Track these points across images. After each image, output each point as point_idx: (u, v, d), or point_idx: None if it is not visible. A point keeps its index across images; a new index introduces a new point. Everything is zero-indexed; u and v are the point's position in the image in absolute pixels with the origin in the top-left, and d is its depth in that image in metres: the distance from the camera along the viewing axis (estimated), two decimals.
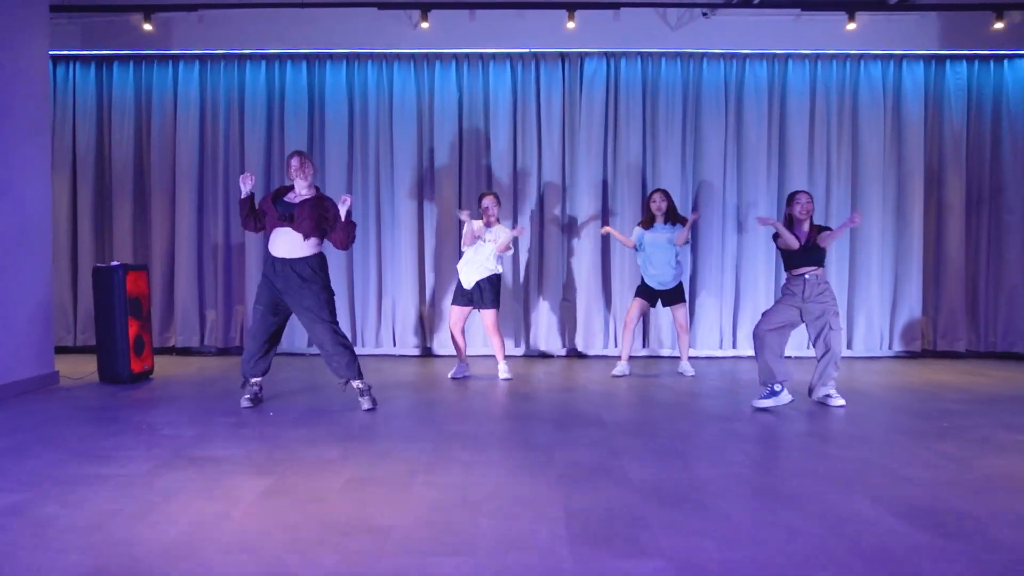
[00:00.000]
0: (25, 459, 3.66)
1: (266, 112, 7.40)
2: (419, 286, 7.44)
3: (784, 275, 5.23)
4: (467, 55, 7.36)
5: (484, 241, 5.95)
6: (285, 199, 4.86)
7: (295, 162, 4.81)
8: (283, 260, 4.76)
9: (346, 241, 4.87)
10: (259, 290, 4.90)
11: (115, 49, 7.35)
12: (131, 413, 4.77)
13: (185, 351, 7.49)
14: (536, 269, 7.41)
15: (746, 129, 7.36)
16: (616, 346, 7.25)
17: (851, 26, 6.94)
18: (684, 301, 6.38)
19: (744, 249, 7.38)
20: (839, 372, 5.30)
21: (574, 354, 7.48)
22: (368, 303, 7.45)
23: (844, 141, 7.39)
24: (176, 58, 7.41)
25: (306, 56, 7.37)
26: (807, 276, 4.96)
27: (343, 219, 4.84)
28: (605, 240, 7.36)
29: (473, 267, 5.96)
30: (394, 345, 7.47)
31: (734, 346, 7.41)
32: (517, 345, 7.42)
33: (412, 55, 7.35)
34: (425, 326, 7.46)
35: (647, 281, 6.25)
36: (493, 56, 7.36)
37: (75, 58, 7.44)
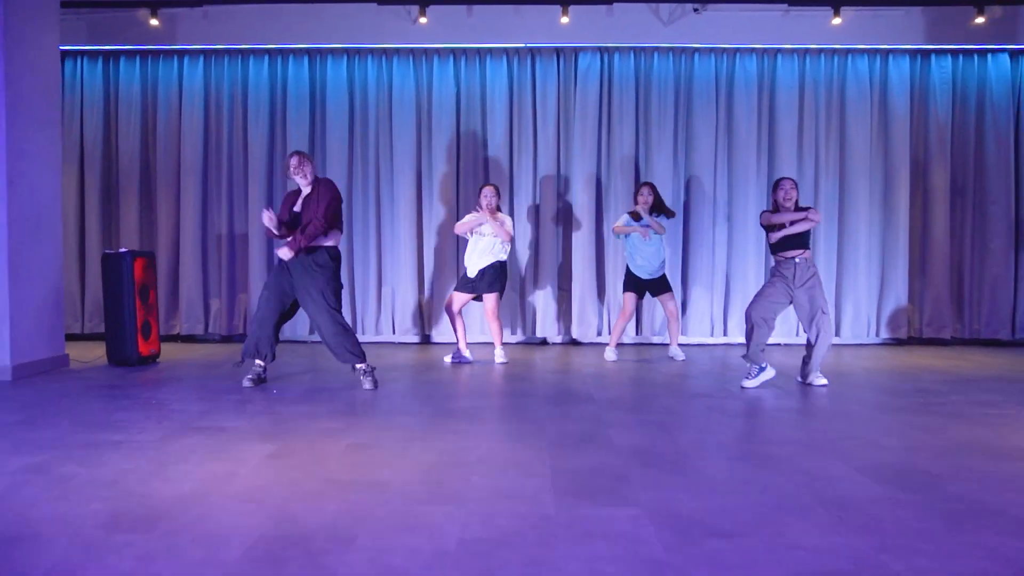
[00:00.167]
0: (42, 429, 3.86)
1: (269, 106, 7.60)
2: (418, 276, 7.64)
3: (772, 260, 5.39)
4: (464, 50, 7.56)
5: (483, 235, 6.13)
6: (295, 210, 5.10)
7: (293, 161, 5.04)
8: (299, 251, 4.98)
9: (315, 232, 4.94)
10: (269, 278, 5.12)
11: (121, 44, 7.55)
12: (140, 391, 4.98)
13: (190, 338, 7.70)
14: (532, 259, 7.60)
15: (736, 122, 7.55)
16: (610, 333, 7.44)
17: (836, 21, 7.13)
18: (671, 290, 6.56)
19: (734, 239, 7.57)
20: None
21: (570, 342, 7.68)
22: (368, 292, 7.64)
23: (832, 134, 7.58)
24: (181, 53, 7.61)
25: (308, 51, 7.57)
26: (797, 260, 5.14)
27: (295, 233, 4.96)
28: (599, 231, 7.55)
29: (476, 256, 6.15)
30: (393, 333, 7.67)
31: (725, 333, 7.60)
32: (514, 333, 7.62)
33: (411, 50, 7.55)
34: (424, 314, 7.66)
35: (635, 272, 6.42)
36: (490, 51, 7.55)
37: (82, 53, 7.64)
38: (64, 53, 7.46)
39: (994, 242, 7.56)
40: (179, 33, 7.47)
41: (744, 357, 5.20)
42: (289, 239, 4.99)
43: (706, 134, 7.54)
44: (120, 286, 5.94)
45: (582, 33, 7.39)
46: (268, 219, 4.98)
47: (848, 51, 7.52)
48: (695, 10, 7.35)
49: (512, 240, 6.34)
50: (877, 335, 7.67)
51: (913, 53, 7.56)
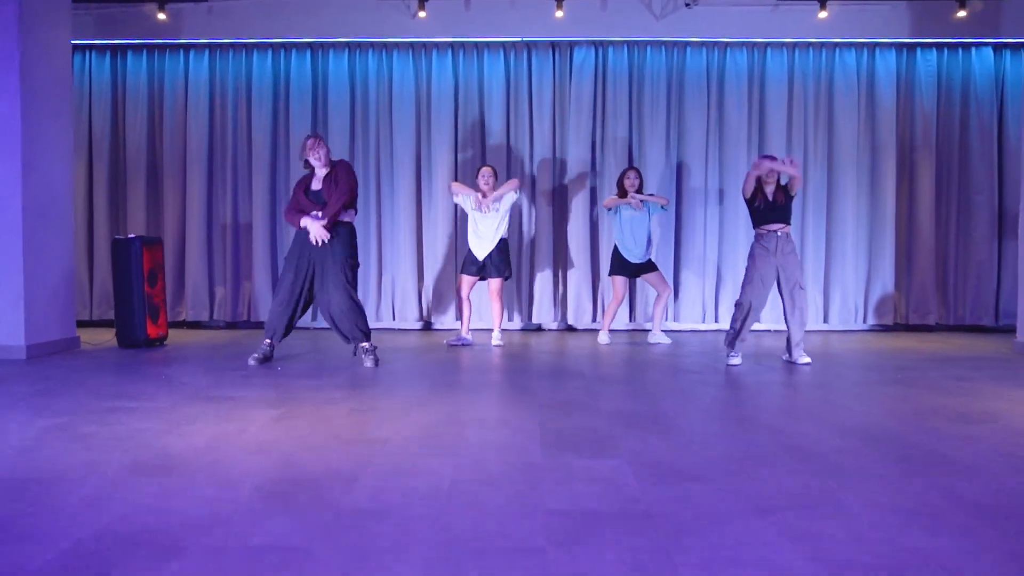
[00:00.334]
0: (60, 397, 4.07)
1: (272, 99, 7.82)
2: (417, 264, 7.85)
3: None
4: (462, 44, 7.77)
5: (482, 212, 6.33)
6: (312, 189, 5.30)
7: (309, 143, 5.27)
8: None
9: (338, 204, 5.19)
10: (287, 258, 5.34)
11: (129, 39, 7.77)
12: (150, 368, 5.19)
13: (195, 324, 7.91)
14: (529, 248, 7.81)
15: (727, 114, 7.75)
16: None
17: (822, 14, 7.33)
18: (657, 268, 6.76)
19: (725, 227, 7.78)
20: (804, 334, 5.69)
21: (566, 328, 7.89)
22: (369, 280, 7.84)
23: (820, 126, 7.78)
24: (187, 47, 7.83)
25: (310, 45, 7.79)
26: (779, 232, 5.35)
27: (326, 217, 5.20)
28: (594, 220, 7.76)
29: (478, 239, 6.37)
30: (393, 319, 7.88)
31: (716, 319, 7.80)
32: (511, 319, 7.82)
33: (411, 44, 7.76)
34: (423, 301, 7.87)
35: (624, 255, 6.60)
36: (487, 45, 7.76)
37: (91, 47, 7.86)
38: (73, 47, 7.67)
39: (978, 231, 7.76)
40: (185, 28, 7.69)
41: (731, 343, 5.38)
42: (319, 217, 5.16)
43: (698, 126, 7.74)
44: (129, 270, 6.16)
45: (577, 27, 7.60)
46: (311, 222, 5.16)
47: (836, 45, 7.73)
48: (687, 5, 7.55)
49: (519, 188, 6.59)
50: (864, 321, 7.87)
51: (899, 47, 7.77)
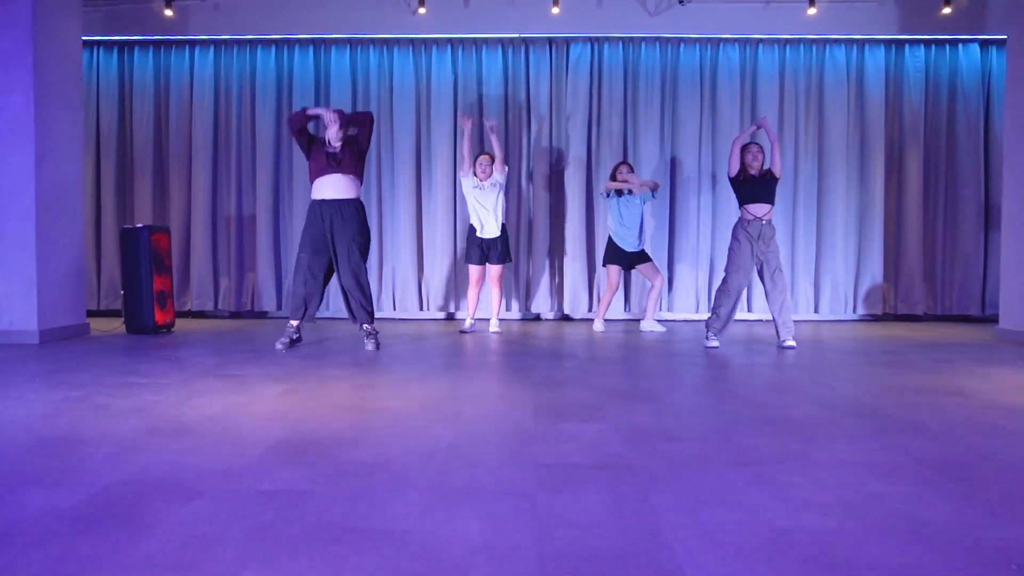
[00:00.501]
0: (75, 374, 4.26)
1: (275, 94, 8.00)
2: (417, 255, 8.03)
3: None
4: (461, 40, 7.96)
5: (482, 188, 6.55)
6: (329, 151, 5.48)
7: (333, 115, 5.48)
8: (330, 202, 5.39)
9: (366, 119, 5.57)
10: (303, 238, 5.48)
11: (136, 35, 7.96)
12: (159, 350, 5.38)
13: (200, 314, 8.10)
14: (526, 239, 8.00)
15: (720, 109, 7.94)
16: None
17: (811, 11, 7.51)
18: (650, 259, 6.95)
19: (718, 219, 7.96)
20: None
21: (563, 317, 8.07)
22: (370, 270, 8.00)
23: (811, 120, 7.97)
24: (192, 43, 8.01)
25: (312, 41, 7.97)
26: (763, 220, 5.54)
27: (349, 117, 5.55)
28: (590, 212, 7.95)
29: (484, 211, 6.57)
30: (394, 309, 8.07)
31: (709, 309, 7.97)
32: (508, 309, 8.01)
33: (411, 40, 7.95)
34: (423, 291, 8.05)
35: (619, 244, 6.80)
36: (486, 41, 7.95)
37: (99, 43, 8.05)
38: (82, 43, 7.87)
39: (965, 223, 7.94)
40: (190, 24, 7.87)
41: (717, 330, 5.57)
42: (334, 113, 5.46)
43: (691, 120, 7.93)
44: (137, 258, 6.34)
45: (573, 24, 7.79)
46: (324, 111, 5.52)
47: (826, 41, 7.91)
48: (680, 2, 7.73)
49: (505, 167, 6.82)
50: (854, 311, 8.05)
51: (888, 43, 7.95)
